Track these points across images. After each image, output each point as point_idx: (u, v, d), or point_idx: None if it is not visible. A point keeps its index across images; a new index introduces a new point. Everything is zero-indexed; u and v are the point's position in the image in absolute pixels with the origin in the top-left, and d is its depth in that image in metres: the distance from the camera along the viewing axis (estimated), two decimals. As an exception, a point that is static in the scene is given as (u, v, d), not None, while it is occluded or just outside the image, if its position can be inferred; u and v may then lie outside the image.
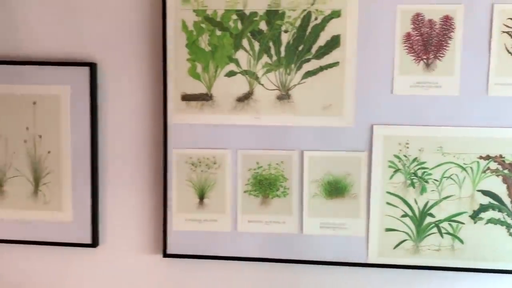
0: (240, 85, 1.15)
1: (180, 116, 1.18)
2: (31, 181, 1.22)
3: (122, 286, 1.25)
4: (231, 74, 1.15)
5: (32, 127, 1.21)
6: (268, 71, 1.14)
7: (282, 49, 1.13)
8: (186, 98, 1.17)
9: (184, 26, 1.15)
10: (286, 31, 1.13)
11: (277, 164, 1.16)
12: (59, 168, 1.21)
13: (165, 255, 1.21)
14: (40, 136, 1.21)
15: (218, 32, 1.14)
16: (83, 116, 1.20)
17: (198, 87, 1.17)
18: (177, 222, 1.20)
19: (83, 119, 1.20)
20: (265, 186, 1.17)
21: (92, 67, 1.19)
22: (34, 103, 1.21)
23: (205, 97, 1.17)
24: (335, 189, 1.15)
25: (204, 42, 1.15)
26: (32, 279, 1.27)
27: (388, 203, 1.15)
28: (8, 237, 1.24)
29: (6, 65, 1.20)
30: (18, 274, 1.27)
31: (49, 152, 1.21)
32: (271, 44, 1.14)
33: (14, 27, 1.21)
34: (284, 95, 1.14)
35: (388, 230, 1.15)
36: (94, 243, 1.23)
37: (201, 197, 1.19)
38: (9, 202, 1.23)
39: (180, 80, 1.17)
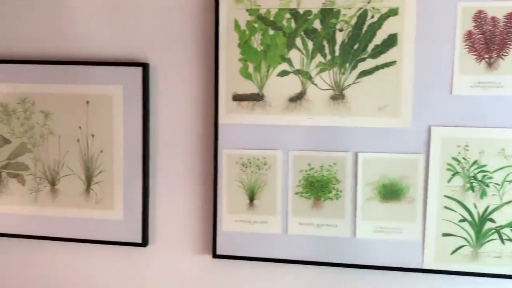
0: (292, 85, 1.13)
1: (231, 116, 1.17)
2: (83, 180, 1.24)
3: (171, 286, 1.25)
4: (283, 73, 1.14)
5: (85, 126, 1.22)
6: (321, 71, 1.12)
7: (337, 48, 1.11)
8: (237, 98, 1.16)
9: (237, 25, 1.14)
10: (341, 30, 1.10)
11: (329, 166, 1.14)
12: (111, 167, 1.22)
13: (215, 255, 1.20)
14: (93, 135, 1.22)
15: (271, 32, 1.13)
16: (135, 116, 1.20)
17: (250, 87, 1.15)
18: (226, 223, 1.20)
19: (135, 118, 1.20)
20: (317, 188, 1.15)
21: (145, 67, 1.19)
22: (87, 102, 1.22)
23: (256, 97, 1.15)
24: (390, 192, 1.12)
25: (256, 41, 1.14)
26: (82, 277, 1.28)
27: (445, 207, 1.11)
28: (59, 235, 1.26)
29: (60, 65, 1.22)
30: (68, 272, 1.29)
31: (101, 151, 1.22)
32: (325, 43, 1.11)
33: (68, 27, 1.23)
34: (338, 95, 1.12)
35: (445, 235, 1.11)
36: (144, 242, 1.23)
37: (251, 198, 1.18)
38: (61, 200, 1.25)
39: (231, 80, 1.16)
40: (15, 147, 1.25)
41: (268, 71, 1.14)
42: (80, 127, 1.23)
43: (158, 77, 1.21)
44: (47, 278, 1.30)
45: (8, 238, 1.28)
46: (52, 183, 1.25)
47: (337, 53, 1.11)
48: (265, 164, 1.17)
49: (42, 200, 1.26)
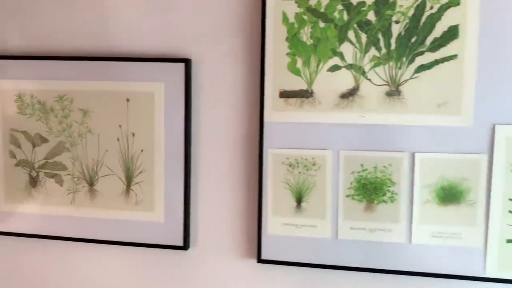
0: (344, 80, 1.07)
1: (278, 114, 1.11)
2: (123, 180, 1.20)
3: (213, 291, 1.20)
4: (334, 68, 1.07)
5: (125, 125, 1.18)
6: (376, 65, 1.05)
7: (393, 41, 1.04)
8: (285, 94, 1.10)
9: (285, 18, 1.08)
10: (397, 22, 1.03)
11: (384, 167, 1.07)
12: (151, 167, 1.18)
13: (260, 260, 1.15)
14: (133, 134, 1.18)
15: (322, 24, 1.07)
16: (177, 114, 1.15)
17: (298, 83, 1.09)
18: (272, 226, 1.14)
19: (177, 116, 1.15)
20: (370, 190, 1.08)
21: (187, 63, 1.14)
22: (128, 100, 1.17)
23: (305, 94, 1.09)
24: (449, 195, 1.05)
25: (305, 35, 1.08)
26: (119, 281, 1.24)
27: (510, 212, 1.03)
28: (97, 237, 1.22)
29: (100, 61, 1.17)
30: (105, 275, 1.25)
31: (142, 150, 1.18)
32: (380, 35, 1.05)
33: (108, 22, 1.19)
34: (393, 91, 1.05)
35: (510, 241, 1.03)
36: (185, 245, 1.18)
37: (299, 200, 1.12)
38: (100, 201, 1.21)
39: (278, 76, 1.10)
40: (53, 146, 1.22)
41: (318, 66, 1.08)
42: (120, 126, 1.18)
43: (200, 73, 1.16)
44: (84, 281, 1.26)
45: (44, 239, 1.25)
46: (91, 183, 1.21)
47: (393, 46, 1.04)
48: (313, 164, 1.11)
49: (80, 201, 1.22)
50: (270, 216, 1.14)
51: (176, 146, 1.16)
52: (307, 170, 1.11)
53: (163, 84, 1.16)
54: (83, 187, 1.22)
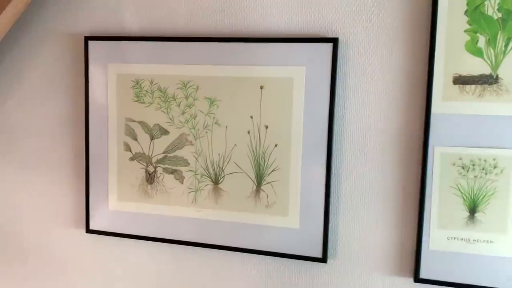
0: (542, 63, 0.85)
1: (449, 104, 0.91)
2: (253, 179, 1.04)
3: (358, 312, 1.02)
4: (529, 48, 0.85)
5: (257, 116, 1.02)
6: None
7: None
8: (460, 80, 0.90)
9: (466, -14, 0.87)
10: None
11: None
12: (287, 164, 1.01)
13: (417, 279, 0.95)
14: (266, 127, 1.02)
15: (516, -8, 0.85)
16: (319, 103, 0.98)
17: (479, 67, 0.89)
18: (436, 240, 0.94)
19: (319, 106, 0.98)
20: None
21: (335, 43, 0.96)
22: (261, 87, 1.01)
23: (487, 80, 0.88)
24: None
25: (491, 6, 0.87)
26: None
27: None
28: (220, 243, 1.08)
29: (230, 42, 1.02)
30: (229, 284, 1.09)
31: (276, 145, 1.02)
32: None
33: (238, -2, 1.03)
34: None
35: None
36: (324, 257, 1.01)
37: (473, 210, 0.92)
38: (225, 202, 1.06)
39: (452, 57, 0.90)
40: (174, 138, 1.08)
41: (506, 45, 0.87)
42: (251, 117, 1.02)
43: (349, 55, 0.98)
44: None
45: (161, 243, 1.12)
46: (215, 181, 1.06)
47: None
48: (495, 167, 0.90)
49: (202, 201, 1.08)
50: (433, 227, 0.94)
51: (317, 141, 0.99)
52: (485, 173, 0.90)
53: (304, 68, 0.99)
54: (207, 185, 1.07)
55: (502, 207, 0.90)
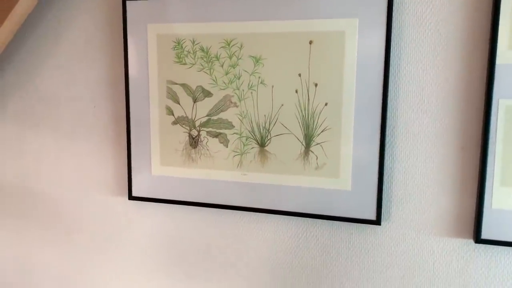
0: None
1: (517, 54, 0.84)
2: (301, 140, 1.00)
3: (414, 277, 0.98)
4: None
5: (306, 73, 0.97)
6: None
7: None
8: (530, 27, 0.83)
9: None
10: None
11: None
12: (338, 124, 0.97)
13: (479, 240, 0.91)
14: (316, 85, 0.97)
15: None
16: (373, 58, 0.93)
17: (551, 11, 0.81)
18: (500, 198, 0.89)
19: (373, 62, 0.93)
20: None
21: (390, -8, 0.89)
22: (311, 42, 0.96)
23: (561, 25, 0.81)
24: None
25: None
26: (296, 257, 1.06)
27: None
28: (268, 207, 1.05)
29: (277, -4, 0.96)
30: (278, 249, 1.07)
31: (326, 104, 0.97)
32: None
33: None
34: None
35: None
36: (378, 219, 0.97)
37: (541, 166, 0.86)
38: (272, 165, 1.02)
39: (521, 2, 0.82)
40: (218, 100, 1.04)
41: None
42: (299, 75, 0.97)
43: (406, 5, 0.91)
44: (253, 255, 1.09)
45: (207, 208, 1.10)
46: (262, 144, 1.02)
47: None
48: None
49: (248, 164, 1.04)
50: (496, 185, 0.89)
51: (371, 99, 0.94)
52: (556, 126, 0.84)
53: (357, 20, 0.93)
54: (253, 148, 1.03)
55: None
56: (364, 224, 1.00)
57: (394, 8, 0.92)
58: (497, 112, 0.88)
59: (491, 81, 0.87)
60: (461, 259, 0.95)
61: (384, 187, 0.97)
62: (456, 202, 0.94)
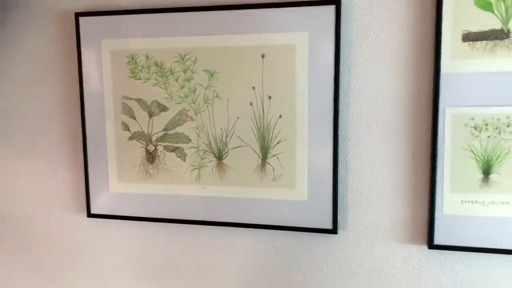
0: (555, 14, 0.81)
1: (460, 63, 0.88)
2: (258, 152, 1.00)
3: (372, 284, 0.99)
4: (541, -1, 0.82)
5: (260, 86, 0.98)
6: None
7: None
8: (470, 37, 0.86)
9: None
10: None
11: None
12: (292, 135, 0.98)
13: (432, 246, 0.93)
14: (270, 97, 0.98)
15: None
16: (324, 70, 0.94)
17: (489, 22, 0.86)
18: (449, 204, 0.92)
19: (324, 73, 0.94)
20: None
21: (337, 5, 0.92)
22: (263, 56, 0.97)
23: (499, 35, 0.85)
24: None
25: (500, -43, 0.83)
26: (256, 268, 1.06)
27: None
28: (227, 219, 1.05)
29: (228, 10, 0.98)
30: (239, 262, 1.07)
31: (280, 116, 0.98)
32: None
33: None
34: None
35: None
36: (335, 228, 0.98)
37: (487, 172, 0.89)
38: (230, 178, 1.02)
39: (461, 13, 0.86)
40: (174, 114, 1.04)
41: (517, -3, 0.83)
42: (253, 88, 0.98)
43: (353, 18, 0.94)
44: (215, 269, 1.09)
45: (166, 223, 1.08)
46: (219, 157, 1.03)
47: None
48: (508, 125, 0.87)
49: (207, 178, 1.04)
50: (446, 191, 0.92)
51: (323, 109, 0.96)
52: (499, 133, 0.88)
53: (307, 33, 0.95)
54: (210, 161, 1.03)
55: (517, 167, 0.88)
56: (322, 234, 1.01)
57: (342, 21, 0.94)
58: (444, 121, 0.90)
59: (437, 90, 0.90)
60: (416, 265, 0.97)
61: (339, 196, 0.99)
62: (409, 209, 0.96)
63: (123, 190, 1.11)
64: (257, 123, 1.00)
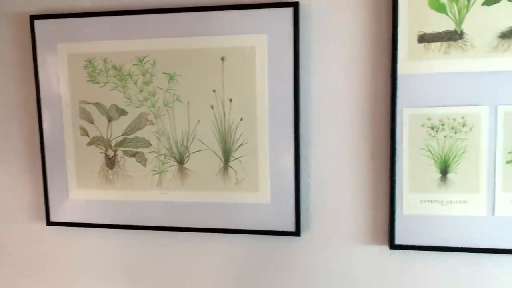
0: (505, 15, 0.83)
1: (416, 64, 0.89)
2: (220, 156, 0.99)
3: (336, 285, 0.99)
4: (492, 1, 0.84)
5: (220, 89, 0.97)
6: (551, -7, 0.81)
7: None
8: (425, 39, 0.88)
9: None
10: None
11: (561, 122, 0.83)
12: (254, 138, 0.97)
13: (393, 246, 0.94)
14: (230, 100, 0.97)
15: None
16: (283, 72, 0.94)
17: (443, 23, 0.87)
18: (409, 204, 0.93)
19: (283, 76, 0.94)
20: (541, 154, 0.85)
21: (295, 7, 0.92)
22: (223, 58, 0.96)
23: (452, 36, 0.86)
24: None
25: (453, -40, 0.84)
26: (221, 272, 1.05)
27: None
28: (190, 225, 1.03)
29: (187, 13, 0.96)
30: (203, 266, 1.05)
31: (241, 119, 0.97)
32: (557, -47, 0.80)
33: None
34: None
35: None
36: (297, 231, 0.98)
37: (444, 171, 0.90)
38: (192, 182, 1.01)
39: (416, 15, 0.88)
40: (133, 118, 1.02)
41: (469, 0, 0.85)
42: (214, 91, 0.97)
43: (311, 19, 0.94)
44: (178, 274, 1.07)
45: (127, 230, 1.06)
46: (181, 161, 1.01)
47: None
48: (464, 125, 0.88)
49: (168, 182, 1.02)
50: (406, 192, 0.92)
51: (284, 112, 0.95)
52: (455, 133, 0.89)
53: (266, 36, 0.94)
54: (172, 166, 1.02)
55: (473, 166, 0.89)
56: (285, 236, 1.00)
57: (300, 23, 0.94)
58: (402, 121, 0.91)
59: (394, 91, 0.90)
60: (378, 265, 0.97)
61: (301, 198, 0.98)
62: (370, 210, 0.96)
63: (83, 197, 1.08)
64: (218, 126, 0.99)
